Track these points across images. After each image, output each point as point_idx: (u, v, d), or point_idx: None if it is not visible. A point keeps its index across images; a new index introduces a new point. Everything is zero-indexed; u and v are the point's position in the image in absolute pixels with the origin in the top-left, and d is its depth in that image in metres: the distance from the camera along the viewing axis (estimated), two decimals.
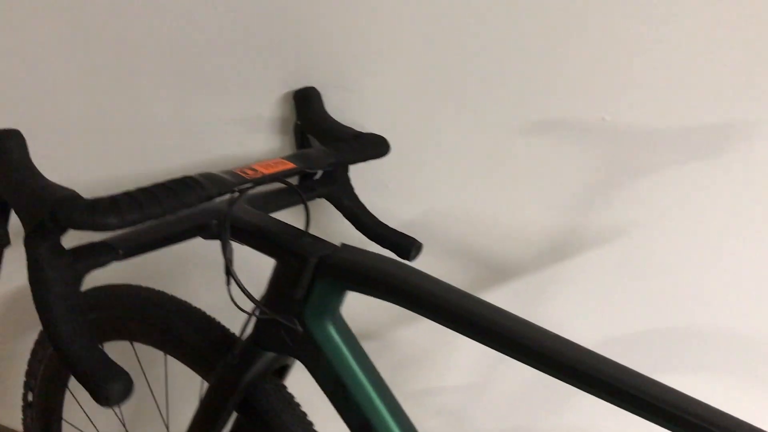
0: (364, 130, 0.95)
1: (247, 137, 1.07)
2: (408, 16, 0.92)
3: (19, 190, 0.62)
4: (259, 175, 0.73)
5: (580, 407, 1.16)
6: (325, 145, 0.92)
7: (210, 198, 0.67)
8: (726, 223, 0.96)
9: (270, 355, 0.82)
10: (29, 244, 0.62)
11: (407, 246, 0.93)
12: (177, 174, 1.08)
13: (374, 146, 0.91)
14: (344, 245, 0.76)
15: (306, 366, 0.78)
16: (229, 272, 0.72)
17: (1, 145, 0.63)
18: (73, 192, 0.61)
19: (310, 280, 0.75)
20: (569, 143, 0.96)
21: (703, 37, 0.86)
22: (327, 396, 0.79)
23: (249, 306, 0.78)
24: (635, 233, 1.00)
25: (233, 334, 0.91)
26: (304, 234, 0.77)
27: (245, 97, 1.03)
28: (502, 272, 1.08)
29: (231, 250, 0.73)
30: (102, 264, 0.68)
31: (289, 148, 1.06)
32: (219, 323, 0.92)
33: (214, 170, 0.71)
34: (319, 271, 0.74)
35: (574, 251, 1.04)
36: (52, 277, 0.62)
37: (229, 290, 0.73)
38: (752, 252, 0.97)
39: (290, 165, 0.78)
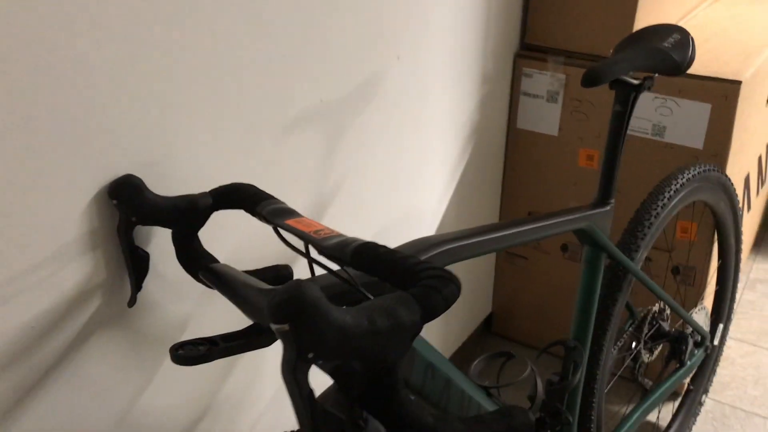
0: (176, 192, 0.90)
1: (53, 282, 0.81)
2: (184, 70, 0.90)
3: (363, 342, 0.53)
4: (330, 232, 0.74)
5: None
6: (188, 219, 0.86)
7: None
8: (389, 138, 1.34)
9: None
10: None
11: (286, 273, 0.96)
12: None
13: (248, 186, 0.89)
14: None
15: None
16: None
17: (311, 304, 0.51)
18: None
19: None
20: (305, 129, 1.13)
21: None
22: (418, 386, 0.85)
23: None
24: (353, 174, 1.27)
25: None
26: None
27: (32, 239, 0.79)
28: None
29: None
30: None
31: (103, 263, 0.86)
32: None
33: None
34: None
35: (328, 206, 1.23)
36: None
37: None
38: (401, 152, 1.38)
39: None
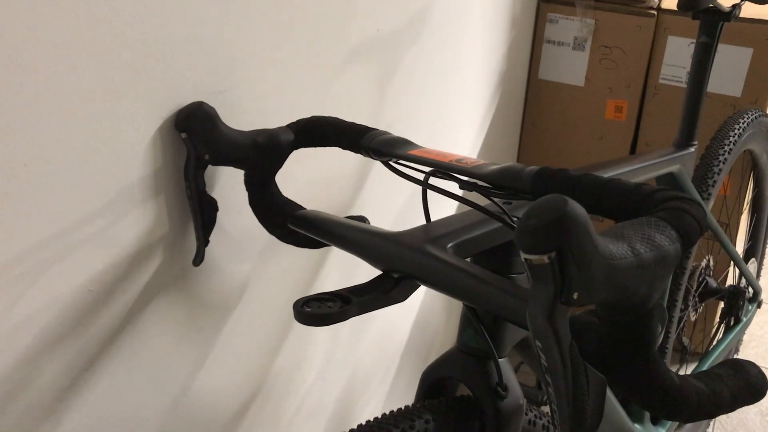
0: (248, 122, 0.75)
1: (112, 235, 0.65)
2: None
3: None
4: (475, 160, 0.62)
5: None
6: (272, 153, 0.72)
7: None
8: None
9: None
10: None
11: None
12: None
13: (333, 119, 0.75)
14: None
15: None
16: None
17: (583, 226, 0.38)
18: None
19: None
20: (361, 61, 0.99)
21: None
22: None
23: None
24: (403, 115, 1.14)
25: None
26: None
27: (87, 182, 0.63)
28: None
29: None
30: None
31: (166, 212, 0.71)
32: None
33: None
34: None
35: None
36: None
37: None
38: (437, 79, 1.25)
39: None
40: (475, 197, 0.67)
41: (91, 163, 0.62)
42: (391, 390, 1.36)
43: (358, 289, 0.59)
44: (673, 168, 1.00)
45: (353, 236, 0.65)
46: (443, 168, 0.62)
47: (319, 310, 0.57)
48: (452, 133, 1.35)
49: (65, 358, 0.64)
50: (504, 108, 1.62)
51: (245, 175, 0.74)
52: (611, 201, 0.51)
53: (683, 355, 1.48)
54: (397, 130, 1.13)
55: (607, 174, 0.89)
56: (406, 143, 0.67)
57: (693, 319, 1.42)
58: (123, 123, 0.64)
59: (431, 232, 0.63)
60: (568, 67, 1.64)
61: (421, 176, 0.66)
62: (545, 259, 0.38)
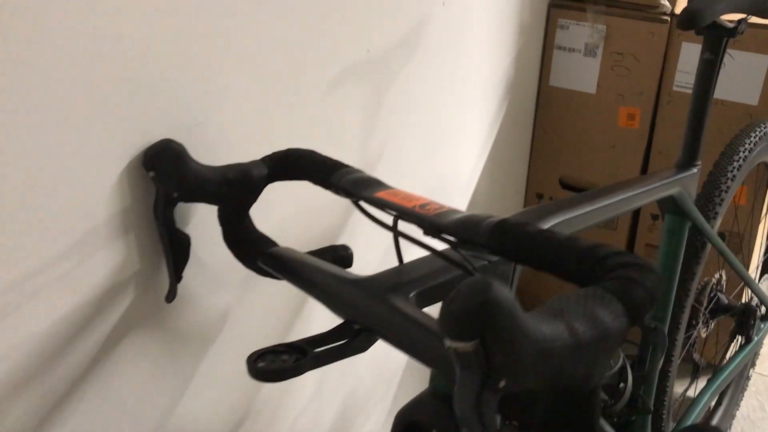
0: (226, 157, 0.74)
1: (79, 277, 0.65)
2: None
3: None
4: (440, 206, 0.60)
5: None
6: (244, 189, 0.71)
7: None
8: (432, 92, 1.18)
9: None
10: None
11: (345, 255, 0.81)
12: None
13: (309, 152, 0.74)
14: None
15: None
16: None
17: (508, 312, 0.36)
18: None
19: None
20: (350, 84, 0.97)
21: None
22: None
23: None
24: (395, 136, 1.12)
25: None
26: None
27: (52, 225, 0.62)
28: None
29: None
30: None
31: (137, 250, 0.70)
32: None
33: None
34: None
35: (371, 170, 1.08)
36: None
37: None
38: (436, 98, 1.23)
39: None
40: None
41: (54, 205, 0.61)
42: (392, 407, 1.35)
43: (316, 340, 0.58)
44: (674, 191, 0.97)
45: (317, 281, 0.64)
46: (405, 213, 0.60)
47: (273, 365, 0.55)
48: (454, 146, 1.33)
49: (30, 401, 0.64)
50: (514, 115, 1.59)
51: (218, 210, 0.73)
52: (566, 262, 0.49)
53: (694, 372, 1.44)
54: (391, 152, 1.11)
55: (605, 201, 0.86)
56: (374, 184, 0.65)
57: (704, 335, 1.39)
58: (88, 163, 0.63)
59: (398, 277, 0.62)
60: (580, 73, 1.60)
61: (389, 218, 0.64)
62: (469, 347, 0.36)
